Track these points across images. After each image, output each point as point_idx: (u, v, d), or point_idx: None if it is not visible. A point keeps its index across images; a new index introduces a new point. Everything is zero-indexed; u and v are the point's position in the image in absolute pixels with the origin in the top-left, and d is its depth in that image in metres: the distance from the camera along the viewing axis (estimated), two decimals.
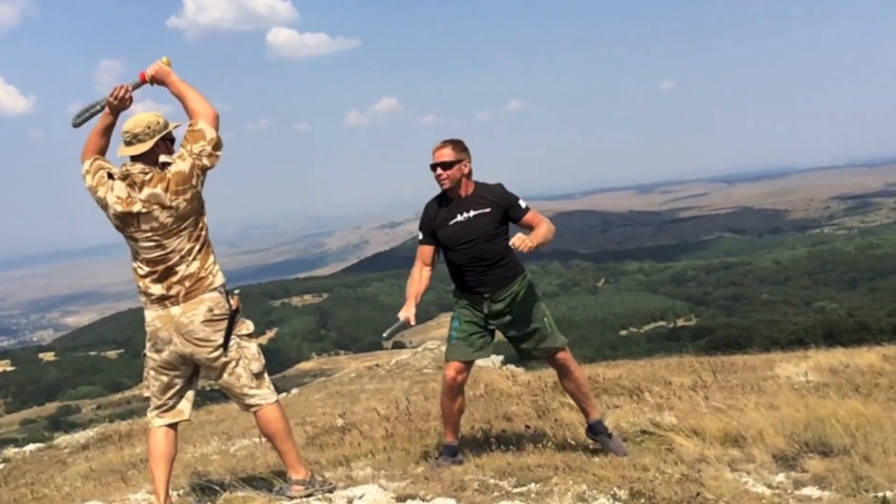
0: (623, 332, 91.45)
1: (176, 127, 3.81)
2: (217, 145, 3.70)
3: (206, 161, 3.66)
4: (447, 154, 4.36)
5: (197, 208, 3.68)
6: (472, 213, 4.36)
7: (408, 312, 4.37)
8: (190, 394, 3.90)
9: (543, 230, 4.27)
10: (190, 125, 3.71)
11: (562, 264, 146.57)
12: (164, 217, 3.59)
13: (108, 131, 3.79)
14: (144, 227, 3.60)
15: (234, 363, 3.74)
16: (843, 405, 4.76)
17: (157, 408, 3.85)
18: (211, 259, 3.72)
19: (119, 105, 3.74)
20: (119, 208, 3.59)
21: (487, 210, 4.37)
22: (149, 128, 3.67)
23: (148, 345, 3.76)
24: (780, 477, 3.94)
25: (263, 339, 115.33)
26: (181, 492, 4.50)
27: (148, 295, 3.68)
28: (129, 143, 3.67)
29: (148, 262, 3.65)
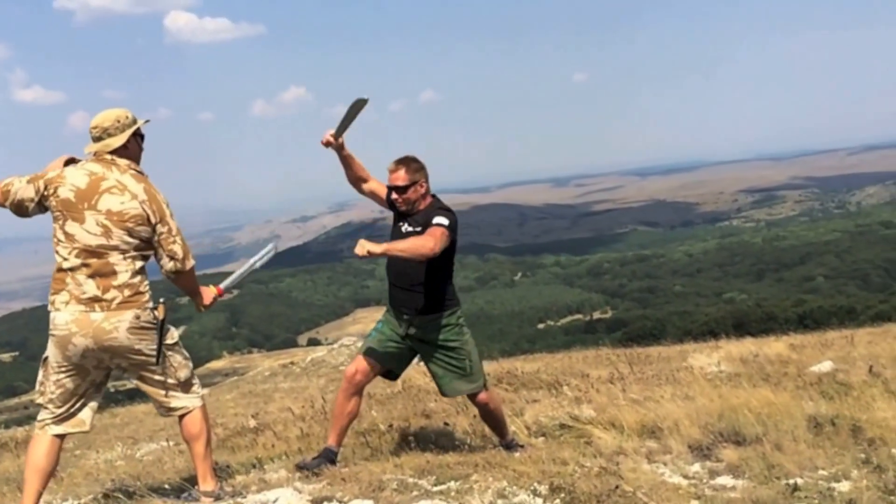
0: (541, 326, 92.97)
1: (146, 123, 3.63)
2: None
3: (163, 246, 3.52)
4: (401, 178, 4.19)
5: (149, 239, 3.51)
6: (410, 229, 4.22)
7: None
8: (94, 403, 3.64)
9: (406, 243, 4.02)
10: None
11: (479, 258, 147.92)
12: (129, 205, 3.39)
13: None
14: (101, 207, 3.37)
15: (160, 372, 3.57)
16: (755, 394, 4.87)
17: (56, 416, 3.55)
18: (147, 284, 3.52)
19: None
20: (84, 181, 3.38)
21: (420, 230, 4.20)
22: (118, 121, 3.49)
23: (55, 350, 3.43)
24: (696, 467, 3.98)
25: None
26: (82, 501, 4.27)
27: (74, 293, 3.36)
28: (98, 139, 3.48)
29: (84, 250, 3.36)
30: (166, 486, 4.14)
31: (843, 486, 3.48)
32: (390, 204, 4.35)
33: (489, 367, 9.77)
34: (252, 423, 7.12)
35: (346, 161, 4.39)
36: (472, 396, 4.41)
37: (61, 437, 3.59)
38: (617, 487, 3.45)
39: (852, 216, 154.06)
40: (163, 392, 3.62)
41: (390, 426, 5.51)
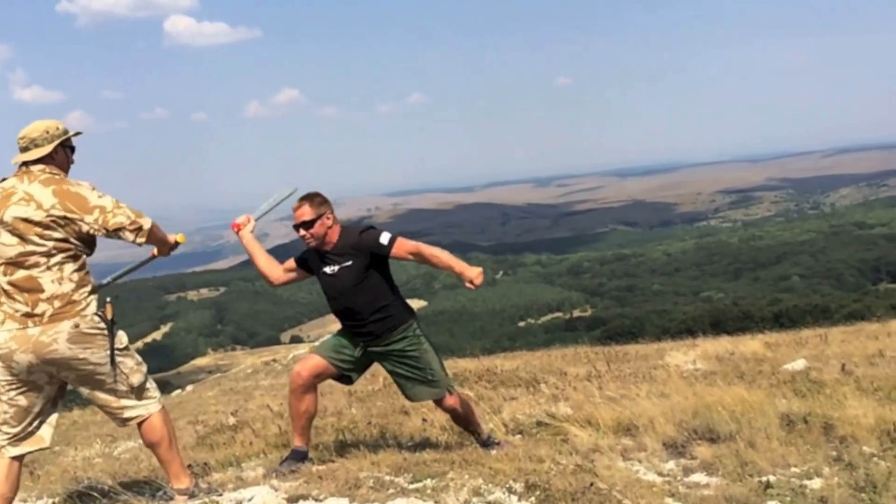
0: (521, 324, 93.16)
1: (76, 135, 3.56)
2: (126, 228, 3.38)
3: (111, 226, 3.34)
4: (307, 213, 4.14)
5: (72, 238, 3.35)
6: (336, 268, 4.18)
7: (242, 218, 4.31)
8: (53, 418, 3.54)
9: (448, 257, 4.22)
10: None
11: (461, 256, 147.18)
12: (35, 213, 3.26)
13: None
14: (8, 218, 3.28)
15: (111, 379, 3.43)
16: (729, 392, 4.91)
17: (12, 437, 3.44)
18: (88, 288, 3.38)
19: None
20: None
21: (349, 263, 4.17)
22: (47, 132, 3.42)
23: (1, 369, 3.34)
24: (671, 464, 4.02)
25: (158, 335, 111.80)
26: (57, 499, 4.25)
27: (8, 312, 3.28)
28: (25, 149, 3.40)
29: (8, 264, 3.28)
30: (143, 485, 4.12)
31: (815, 484, 3.52)
32: (300, 262, 4.35)
33: (470, 364, 9.80)
34: (231, 420, 7.11)
35: (255, 249, 4.35)
36: (439, 402, 4.40)
37: (20, 458, 3.49)
38: (592, 485, 3.47)
39: (827, 217, 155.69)
40: (115, 401, 3.49)
41: (369, 423, 5.52)
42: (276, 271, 4.39)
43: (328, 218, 4.18)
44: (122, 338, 3.49)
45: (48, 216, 3.27)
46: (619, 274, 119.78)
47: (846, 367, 6.18)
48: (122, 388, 3.48)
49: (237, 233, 4.36)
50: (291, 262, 4.39)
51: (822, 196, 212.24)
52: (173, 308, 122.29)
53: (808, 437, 4.17)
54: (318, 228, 4.15)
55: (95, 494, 3.93)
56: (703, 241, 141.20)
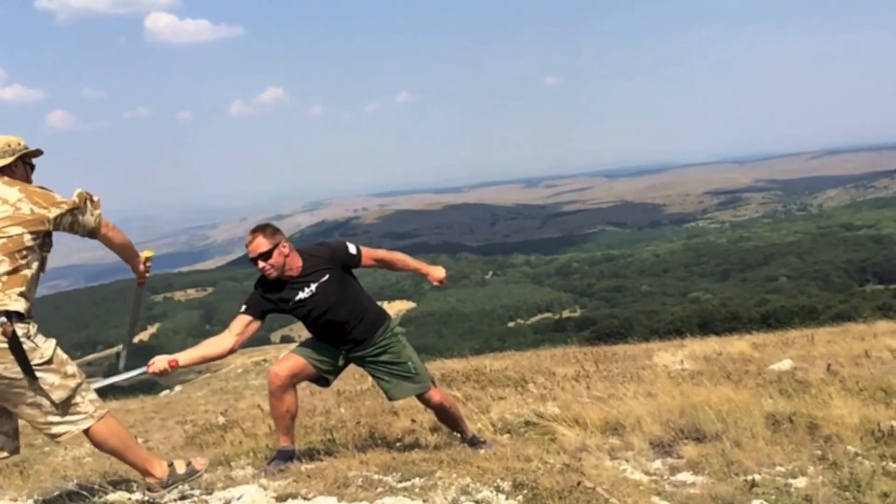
0: (511, 324, 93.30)
1: (37, 153, 3.58)
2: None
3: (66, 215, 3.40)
4: (262, 244, 4.05)
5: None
6: (314, 287, 4.14)
7: (164, 363, 3.88)
8: (9, 428, 3.47)
9: (414, 260, 4.35)
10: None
11: (450, 257, 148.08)
12: None
13: None
14: None
15: (31, 394, 3.30)
16: (715, 392, 4.95)
17: None
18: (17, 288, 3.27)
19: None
20: None
21: (327, 277, 4.15)
22: (8, 146, 3.44)
23: None
24: (657, 463, 4.05)
25: (145, 335, 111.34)
26: (47, 497, 4.24)
27: None
28: None
29: None
30: (132, 483, 4.11)
31: (800, 482, 3.55)
32: (256, 313, 4.15)
33: (458, 364, 9.82)
34: (221, 420, 7.10)
35: (196, 355, 4.08)
36: (424, 399, 4.41)
37: None
38: (579, 483, 3.49)
39: (814, 218, 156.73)
40: (41, 416, 3.34)
41: (357, 423, 5.53)
42: (227, 341, 4.10)
43: (284, 246, 4.10)
44: (44, 351, 3.33)
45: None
46: (607, 275, 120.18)
47: (832, 368, 6.23)
48: (45, 403, 3.33)
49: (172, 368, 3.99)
50: (242, 320, 4.15)
51: (809, 197, 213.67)
52: (160, 309, 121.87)
53: (794, 437, 4.21)
54: (276, 258, 4.06)
55: (85, 493, 3.94)
56: (692, 242, 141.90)
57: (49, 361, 3.32)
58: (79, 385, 3.42)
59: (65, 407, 3.37)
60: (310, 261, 4.19)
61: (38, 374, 3.27)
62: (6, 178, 3.40)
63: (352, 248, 4.23)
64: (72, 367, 3.42)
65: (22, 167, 3.51)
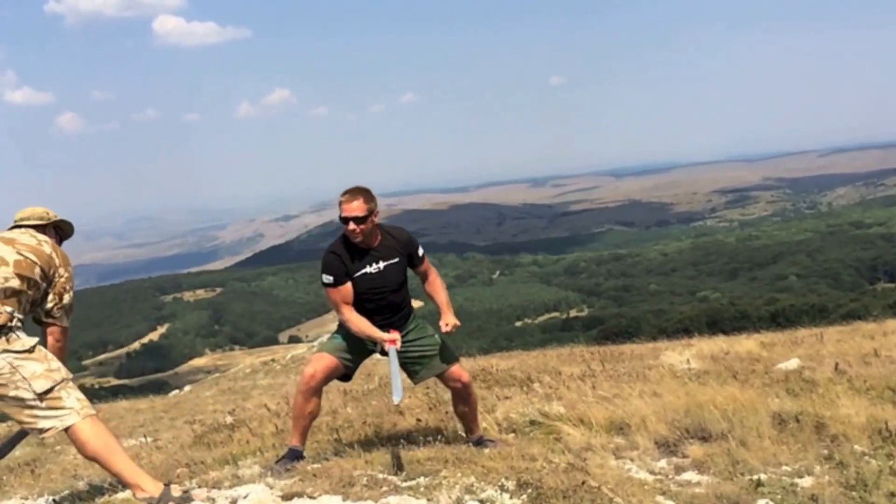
0: (518, 323, 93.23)
1: (68, 224, 4.02)
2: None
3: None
4: (360, 209, 4.10)
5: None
6: (382, 265, 4.21)
7: (392, 335, 4.17)
8: None
9: (446, 297, 4.42)
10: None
11: (458, 256, 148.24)
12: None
13: None
14: None
15: (13, 385, 3.29)
16: (721, 391, 4.94)
17: None
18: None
19: None
20: None
21: (396, 260, 4.26)
22: (47, 214, 3.91)
23: None
24: (662, 463, 4.05)
25: (154, 335, 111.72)
26: (57, 497, 4.27)
27: None
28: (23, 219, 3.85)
29: None
30: None
31: (806, 482, 3.55)
32: (345, 277, 4.20)
33: (466, 364, 9.78)
34: (228, 419, 7.12)
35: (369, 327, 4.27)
36: (452, 377, 4.39)
37: None
38: (584, 483, 3.49)
39: (823, 216, 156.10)
40: (22, 410, 3.33)
41: (363, 423, 5.54)
42: (353, 311, 4.24)
43: (376, 215, 4.22)
44: (23, 341, 3.38)
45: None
46: (615, 274, 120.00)
47: (840, 367, 6.20)
48: (27, 395, 3.31)
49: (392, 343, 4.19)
50: (342, 291, 4.21)
51: (818, 195, 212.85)
52: (170, 309, 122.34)
53: (800, 436, 4.20)
54: (369, 224, 4.15)
55: (95, 492, 3.96)
56: (700, 240, 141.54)
57: (30, 350, 3.38)
58: (63, 380, 3.42)
59: (48, 399, 3.35)
60: (387, 239, 4.30)
61: (16, 362, 3.30)
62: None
63: (420, 250, 4.38)
64: (57, 364, 3.47)
65: (53, 231, 3.92)
